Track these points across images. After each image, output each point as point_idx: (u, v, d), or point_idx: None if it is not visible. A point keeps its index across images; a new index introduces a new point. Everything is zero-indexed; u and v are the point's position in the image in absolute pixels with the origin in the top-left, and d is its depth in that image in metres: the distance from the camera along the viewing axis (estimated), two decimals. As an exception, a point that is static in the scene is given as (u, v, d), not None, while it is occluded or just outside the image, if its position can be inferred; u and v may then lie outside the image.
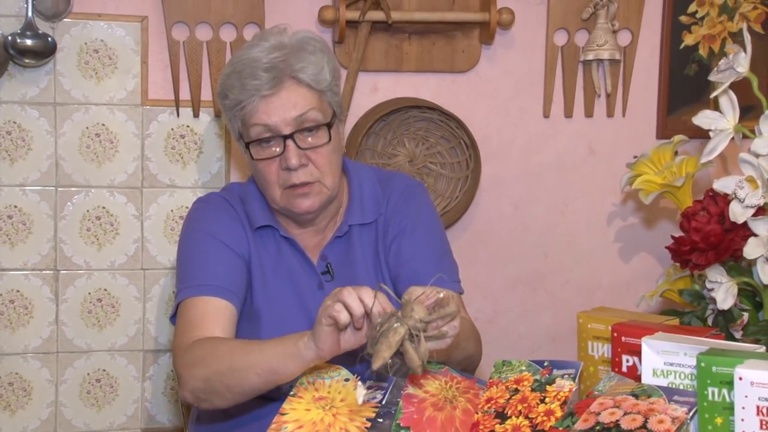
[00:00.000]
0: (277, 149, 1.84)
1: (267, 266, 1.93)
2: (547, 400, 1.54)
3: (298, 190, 1.85)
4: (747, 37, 1.95)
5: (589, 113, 2.71)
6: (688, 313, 2.05)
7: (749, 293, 2.01)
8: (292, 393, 1.67)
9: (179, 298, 1.88)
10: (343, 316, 1.52)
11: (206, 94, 2.50)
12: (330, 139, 1.86)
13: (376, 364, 1.48)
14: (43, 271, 2.48)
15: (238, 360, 1.69)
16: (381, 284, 1.60)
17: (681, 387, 1.50)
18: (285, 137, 1.82)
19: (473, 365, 1.91)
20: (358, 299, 1.53)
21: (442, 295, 1.53)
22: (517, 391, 1.59)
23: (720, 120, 1.95)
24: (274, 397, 1.79)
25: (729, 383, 1.37)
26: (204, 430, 1.97)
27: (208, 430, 1.96)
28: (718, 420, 1.39)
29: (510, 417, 1.54)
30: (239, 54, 1.87)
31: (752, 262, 1.95)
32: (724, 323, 1.99)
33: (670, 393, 1.45)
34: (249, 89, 1.82)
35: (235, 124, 1.89)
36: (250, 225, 1.94)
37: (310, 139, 1.85)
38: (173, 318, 1.91)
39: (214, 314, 1.83)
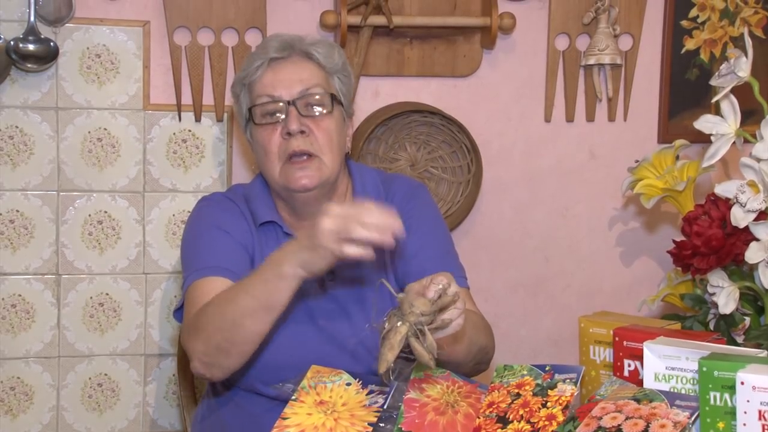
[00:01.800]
0: (280, 116, 1.87)
1: None
2: (548, 404, 1.54)
3: (296, 163, 1.85)
4: (748, 42, 1.95)
5: (590, 117, 2.72)
6: (689, 318, 2.05)
7: (751, 297, 2.01)
8: (293, 397, 1.67)
9: (185, 286, 1.88)
10: (357, 251, 1.52)
11: (208, 98, 2.50)
12: (332, 109, 1.89)
13: (381, 368, 1.48)
14: (45, 276, 2.48)
15: (227, 310, 1.68)
16: (382, 280, 1.59)
17: (683, 391, 1.50)
18: (288, 103, 1.86)
19: (488, 357, 1.91)
20: (372, 224, 1.51)
21: (445, 282, 1.53)
22: (518, 395, 1.59)
23: (721, 124, 1.95)
24: (276, 397, 1.79)
25: (731, 388, 1.37)
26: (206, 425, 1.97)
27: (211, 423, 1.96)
28: (720, 424, 1.39)
29: (512, 421, 1.54)
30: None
31: (754, 267, 1.95)
32: (725, 327, 1.99)
33: (672, 397, 1.45)
34: (259, 55, 1.90)
35: (244, 99, 1.93)
36: (254, 222, 1.95)
37: (312, 109, 1.88)
38: (177, 312, 1.90)
39: (217, 291, 1.81)
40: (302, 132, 1.85)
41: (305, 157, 1.85)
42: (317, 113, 1.87)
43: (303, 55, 1.91)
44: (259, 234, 1.94)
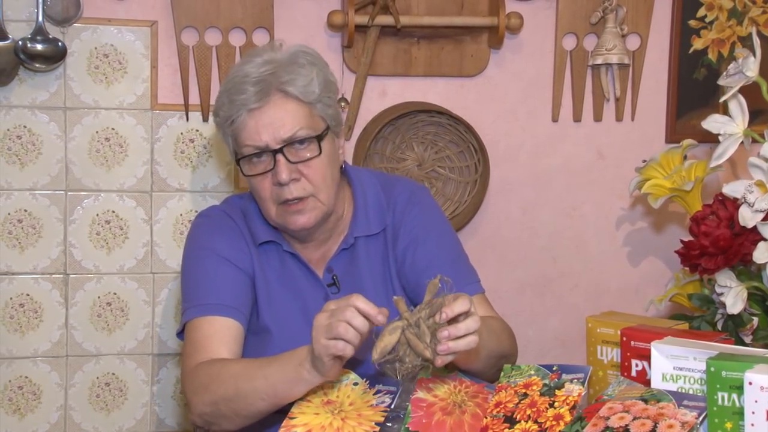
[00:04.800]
0: (269, 164, 1.82)
1: (272, 281, 1.93)
2: (556, 404, 1.54)
3: (291, 206, 1.83)
4: (756, 42, 1.95)
5: (597, 117, 2.71)
6: (697, 318, 2.05)
7: (759, 298, 2.01)
8: (300, 397, 1.67)
9: (185, 318, 1.88)
10: (349, 351, 1.52)
11: (215, 98, 2.50)
12: (320, 152, 1.83)
13: (374, 355, 1.51)
14: (53, 275, 2.49)
15: (242, 386, 1.69)
16: (395, 298, 1.59)
17: (690, 392, 1.50)
18: (275, 152, 1.81)
19: (510, 363, 1.88)
20: (359, 318, 1.52)
21: (465, 308, 1.54)
22: (526, 395, 1.59)
23: (729, 124, 1.95)
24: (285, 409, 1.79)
25: (739, 388, 1.37)
26: None
27: None
28: (728, 425, 1.39)
29: (519, 421, 1.54)
30: (232, 71, 1.88)
31: (762, 267, 1.95)
32: (733, 328, 1.99)
33: (679, 398, 1.45)
34: (237, 104, 1.82)
35: (228, 141, 1.89)
36: (253, 240, 1.93)
37: (300, 152, 1.82)
38: (180, 334, 1.91)
39: (219, 334, 1.83)
40: (294, 179, 1.82)
41: (300, 202, 1.83)
42: (306, 157, 1.83)
43: (281, 94, 1.82)
44: (259, 253, 1.93)
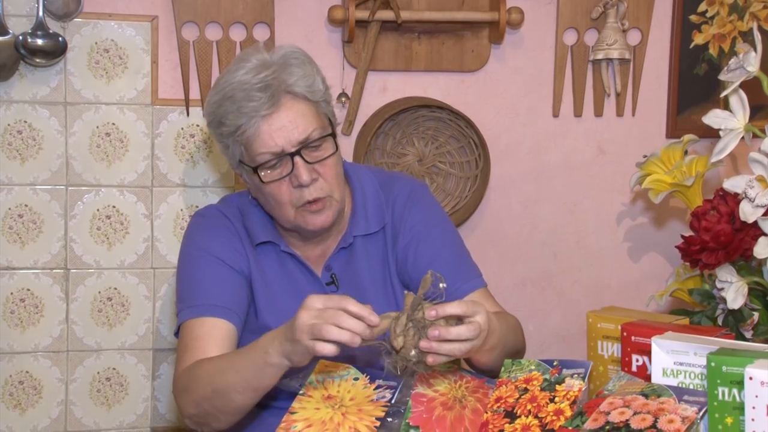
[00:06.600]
0: (286, 168, 1.81)
1: (271, 281, 1.92)
2: (556, 399, 1.54)
3: (311, 207, 1.82)
4: (757, 37, 1.95)
5: (598, 113, 2.71)
6: (698, 313, 2.05)
7: (759, 293, 2.01)
8: (301, 392, 1.67)
9: (179, 319, 1.88)
10: (334, 351, 1.51)
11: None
12: (336, 149, 1.84)
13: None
14: (54, 270, 2.49)
15: (217, 382, 1.69)
16: (407, 292, 1.60)
17: (691, 387, 1.50)
18: (292, 155, 1.80)
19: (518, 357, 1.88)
20: (351, 320, 1.50)
21: (479, 319, 1.55)
22: (526, 390, 1.59)
23: (730, 119, 1.95)
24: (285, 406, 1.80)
25: (739, 383, 1.37)
26: None
27: None
28: (729, 420, 1.39)
29: (519, 416, 1.54)
30: (225, 80, 1.84)
31: (762, 262, 1.95)
32: (734, 323, 1.99)
33: (680, 393, 1.45)
34: (247, 112, 1.79)
35: (235, 150, 1.85)
36: (249, 240, 1.93)
37: (315, 152, 1.82)
38: (177, 335, 1.91)
39: (211, 335, 1.82)
40: (313, 179, 1.81)
41: (319, 202, 1.83)
42: (323, 157, 1.82)
43: (289, 95, 1.80)
44: (257, 253, 1.93)
